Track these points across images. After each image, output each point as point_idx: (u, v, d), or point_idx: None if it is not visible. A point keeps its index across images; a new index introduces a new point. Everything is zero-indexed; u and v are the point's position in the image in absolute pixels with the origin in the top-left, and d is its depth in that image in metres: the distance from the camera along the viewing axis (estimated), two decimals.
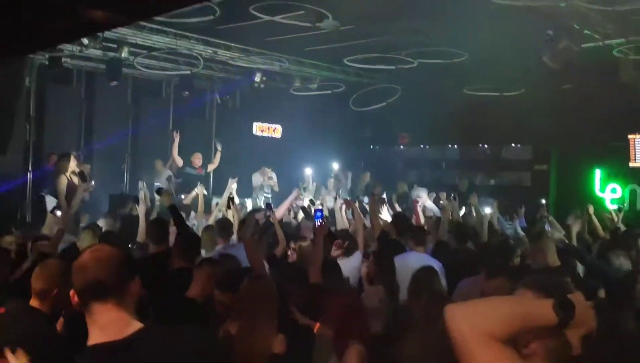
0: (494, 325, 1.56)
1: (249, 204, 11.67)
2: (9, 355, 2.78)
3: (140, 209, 7.13)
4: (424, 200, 9.51)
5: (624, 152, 12.10)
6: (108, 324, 2.12)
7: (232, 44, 11.10)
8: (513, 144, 14.35)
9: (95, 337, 2.12)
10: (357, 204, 8.01)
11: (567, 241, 7.17)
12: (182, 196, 10.80)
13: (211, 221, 7.87)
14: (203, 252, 6.51)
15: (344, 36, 9.74)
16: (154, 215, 7.69)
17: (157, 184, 11.63)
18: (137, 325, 2.14)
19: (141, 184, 8.72)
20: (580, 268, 6.00)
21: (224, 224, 6.92)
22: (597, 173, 12.68)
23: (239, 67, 12.54)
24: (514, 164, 14.46)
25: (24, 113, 11.08)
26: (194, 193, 10.24)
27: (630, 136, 12.03)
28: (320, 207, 7.51)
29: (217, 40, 10.79)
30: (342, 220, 8.19)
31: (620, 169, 12.35)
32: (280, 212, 7.67)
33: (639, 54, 9.73)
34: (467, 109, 12.17)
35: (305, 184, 12.33)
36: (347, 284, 5.16)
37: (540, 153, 13.66)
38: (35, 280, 3.45)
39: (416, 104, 12.58)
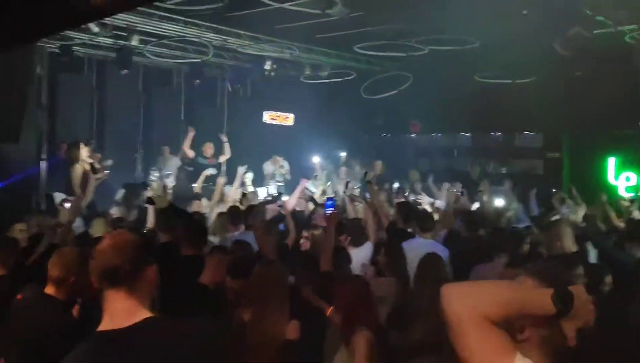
0: (489, 308, 1.57)
1: (261, 193, 11.71)
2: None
3: (150, 209, 7.17)
4: (425, 204, 9.54)
5: (638, 140, 11.99)
6: (117, 312, 2.13)
7: (242, 32, 11.08)
8: (525, 132, 14.26)
9: (104, 324, 2.14)
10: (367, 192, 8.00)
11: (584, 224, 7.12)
12: (194, 185, 10.83)
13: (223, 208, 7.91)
14: (215, 239, 6.58)
15: (354, 23, 9.69)
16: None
17: (166, 173, 11.71)
18: (144, 315, 2.14)
19: (153, 174, 8.77)
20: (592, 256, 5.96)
21: (235, 212, 6.95)
22: (611, 161, 12.58)
23: (249, 55, 12.52)
24: (526, 152, 14.37)
25: (35, 102, 11.14)
26: (202, 178, 10.30)
27: None
28: (332, 196, 7.52)
29: (226, 28, 10.77)
30: (352, 210, 8.19)
31: (634, 157, 12.22)
32: (290, 203, 7.69)
33: None
34: (478, 96, 12.13)
35: (316, 173, 12.33)
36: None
37: (553, 140, 13.56)
38: (52, 268, 3.49)
39: (427, 92, 12.51)
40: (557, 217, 7.85)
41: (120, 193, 9.45)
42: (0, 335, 3.35)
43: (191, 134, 12.02)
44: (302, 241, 6.19)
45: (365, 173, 8.68)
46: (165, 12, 9.78)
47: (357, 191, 10.34)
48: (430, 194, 10.45)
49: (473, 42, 10.31)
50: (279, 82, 13.96)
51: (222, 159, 12.35)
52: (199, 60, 12.21)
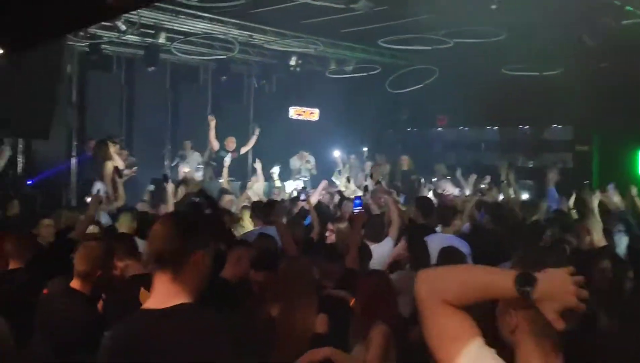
0: (449, 291, 1.58)
1: (288, 187, 11.78)
2: None
3: (169, 188, 7.28)
4: (449, 191, 9.47)
5: None
6: (158, 294, 2.12)
7: (267, 28, 11.14)
8: (554, 125, 14.06)
9: (147, 303, 2.14)
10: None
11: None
12: (221, 180, 10.92)
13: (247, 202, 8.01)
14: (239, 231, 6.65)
15: (378, 17, 9.67)
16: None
17: (197, 166, 11.88)
18: (181, 300, 2.10)
19: (181, 171, 8.87)
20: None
21: (258, 206, 7.00)
22: None
23: (274, 50, 12.58)
24: (555, 145, 14.14)
25: (66, 100, 11.35)
26: (226, 172, 10.45)
27: None
28: (359, 194, 7.50)
29: (252, 24, 10.85)
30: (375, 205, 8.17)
31: None
32: (313, 200, 7.69)
33: None
34: (505, 89, 11.97)
35: (339, 167, 12.33)
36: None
37: (582, 133, 13.33)
38: (78, 262, 3.53)
39: (453, 85, 12.39)
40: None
41: (150, 188, 9.63)
42: (26, 329, 3.37)
43: (212, 123, 12.07)
44: (327, 233, 6.20)
45: (372, 175, 8.64)
46: (192, 10, 9.91)
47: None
48: (459, 187, 10.41)
49: (499, 35, 10.19)
50: (304, 78, 13.98)
51: (243, 150, 12.42)
52: (225, 56, 12.31)
